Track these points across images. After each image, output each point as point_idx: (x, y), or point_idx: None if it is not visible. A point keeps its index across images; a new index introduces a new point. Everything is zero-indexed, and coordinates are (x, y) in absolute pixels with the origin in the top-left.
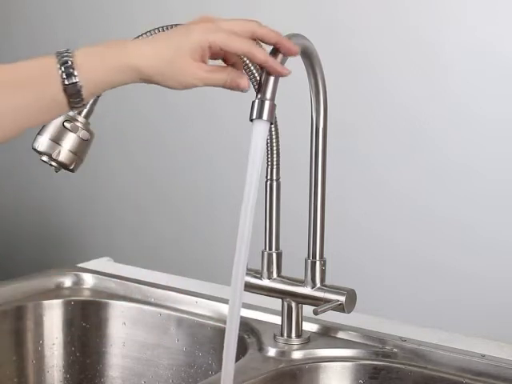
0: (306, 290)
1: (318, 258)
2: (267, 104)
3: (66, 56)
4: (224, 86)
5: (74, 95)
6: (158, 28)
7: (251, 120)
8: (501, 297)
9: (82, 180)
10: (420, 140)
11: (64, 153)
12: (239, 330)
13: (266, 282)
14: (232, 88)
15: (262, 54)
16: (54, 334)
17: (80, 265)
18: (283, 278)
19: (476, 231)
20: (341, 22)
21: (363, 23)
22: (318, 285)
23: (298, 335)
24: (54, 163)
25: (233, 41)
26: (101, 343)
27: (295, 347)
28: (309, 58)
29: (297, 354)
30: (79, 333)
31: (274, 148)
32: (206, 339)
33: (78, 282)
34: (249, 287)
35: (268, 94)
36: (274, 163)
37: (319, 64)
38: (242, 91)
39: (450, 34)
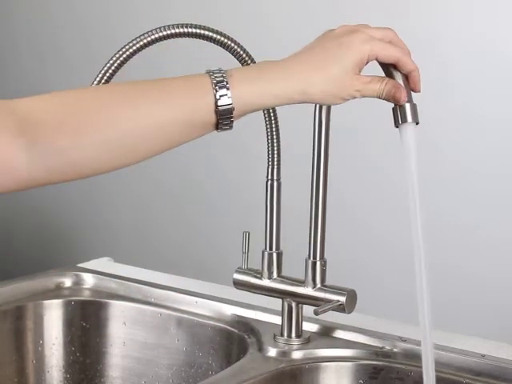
0: (307, 291)
1: (318, 258)
2: (408, 106)
3: (221, 77)
4: (379, 97)
5: (224, 117)
6: (158, 28)
7: (396, 126)
8: (501, 297)
9: (82, 180)
10: (421, 140)
11: None
12: (239, 330)
13: (266, 282)
14: (388, 99)
15: (413, 62)
16: (54, 334)
17: (80, 265)
18: (283, 278)
19: (476, 231)
20: (341, 21)
21: (364, 23)
22: (319, 285)
23: (298, 335)
24: None
25: (389, 49)
26: (101, 343)
27: (295, 347)
28: None
29: (297, 354)
30: (79, 333)
31: (275, 148)
32: (206, 339)
33: (78, 282)
34: (249, 287)
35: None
36: (275, 163)
37: None
38: (398, 103)
39: (450, 33)
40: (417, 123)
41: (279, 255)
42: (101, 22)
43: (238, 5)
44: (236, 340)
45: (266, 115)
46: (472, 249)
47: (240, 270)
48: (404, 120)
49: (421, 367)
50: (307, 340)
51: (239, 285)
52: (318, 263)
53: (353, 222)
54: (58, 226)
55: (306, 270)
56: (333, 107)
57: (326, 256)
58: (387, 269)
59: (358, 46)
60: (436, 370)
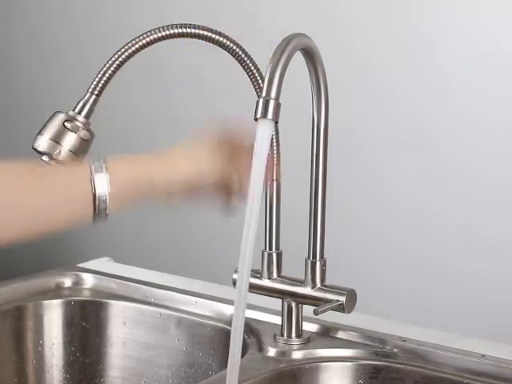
0: (306, 290)
1: (318, 258)
2: (272, 103)
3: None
4: None
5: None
6: (158, 28)
7: (255, 119)
8: (501, 297)
9: None
10: (421, 140)
11: (64, 153)
12: None
13: (266, 282)
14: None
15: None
16: (54, 334)
17: (80, 265)
18: (283, 278)
19: (476, 231)
20: (342, 21)
21: (364, 23)
22: (319, 285)
23: (298, 335)
24: (54, 163)
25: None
26: (101, 343)
27: (295, 347)
28: (311, 57)
29: (297, 354)
30: (79, 333)
31: (275, 148)
32: (206, 339)
33: (78, 282)
34: (249, 287)
35: (273, 93)
36: (275, 163)
37: (321, 63)
38: None
39: (451, 33)
40: (276, 122)
41: (279, 255)
42: (100, 22)
43: (238, 5)
44: None
45: None
46: (472, 249)
47: None
48: (263, 115)
49: (421, 367)
50: (307, 340)
51: None
52: (318, 263)
53: (353, 221)
54: None
55: (306, 270)
56: (332, 106)
57: (325, 256)
58: (387, 269)
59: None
60: (436, 370)
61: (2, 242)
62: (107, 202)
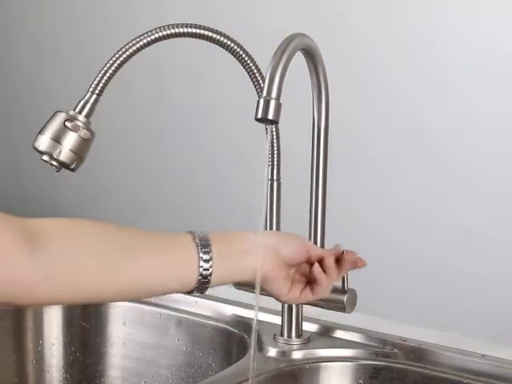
0: None
1: None
2: (273, 103)
3: (207, 252)
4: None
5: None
6: (158, 28)
7: (256, 119)
8: (501, 297)
9: (82, 179)
10: (421, 140)
11: (65, 152)
12: (239, 330)
13: None
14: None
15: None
16: (54, 334)
17: None
18: None
19: (476, 231)
20: (342, 21)
21: (364, 23)
22: None
23: (298, 335)
24: (54, 163)
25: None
26: (101, 343)
27: (295, 347)
28: (311, 57)
29: (297, 354)
30: (79, 333)
31: (275, 148)
32: (205, 339)
33: None
34: (249, 287)
35: (274, 93)
36: (275, 163)
37: (322, 63)
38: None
39: (451, 33)
40: (277, 123)
41: None
42: (100, 22)
43: (238, 5)
44: (236, 340)
45: None
46: (472, 249)
47: None
48: (263, 115)
49: (421, 367)
50: (307, 340)
51: (239, 285)
52: None
53: (353, 221)
54: None
55: None
56: (332, 106)
57: None
58: (387, 269)
59: None
60: (436, 370)
61: (89, 302)
62: (209, 283)
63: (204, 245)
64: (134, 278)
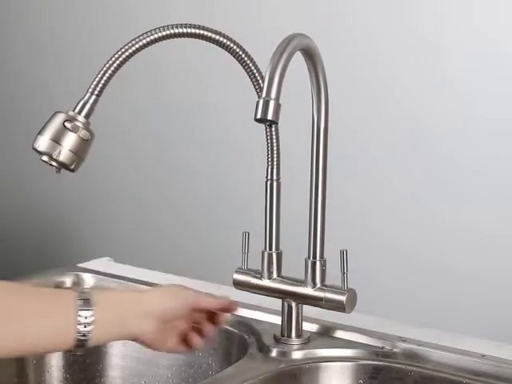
0: (307, 290)
1: (318, 258)
2: (272, 104)
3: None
4: None
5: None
6: (158, 28)
7: (256, 120)
8: (501, 297)
9: (82, 180)
10: (421, 140)
11: (64, 153)
12: (239, 330)
13: (266, 282)
14: None
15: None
16: None
17: (80, 265)
18: (283, 278)
19: (476, 231)
20: (342, 21)
21: (364, 22)
22: (319, 285)
23: (298, 335)
24: (54, 163)
25: None
26: None
27: (295, 347)
28: (311, 57)
29: (297, 354)
30: None
31: (275, 148)
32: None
33: (77, 282)
34: (249, 287)
35: (273, 94)
36: (274, 163)
37: (321, 64)
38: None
39: (451, 33)
40: (276, 123)
41: (279, 255)
42: (100, 22)
43: (237, 5)
44: (236, 340)
45: None
46: (472, 249)
47: (240, 270)
48: (263, 116)
49: (421, 367)
50: (307, 340)
51: (239, 285)
52: (318, 263)
53: (352, 221)
54: (58, 226)
55: (306, 270)
56: (332, 107)
57: (325, 256)
58: (387, 269)
59: None
60: (436, 370)
61: None
62: (88, 340)
63: (86, 307)
64: (7, 340)
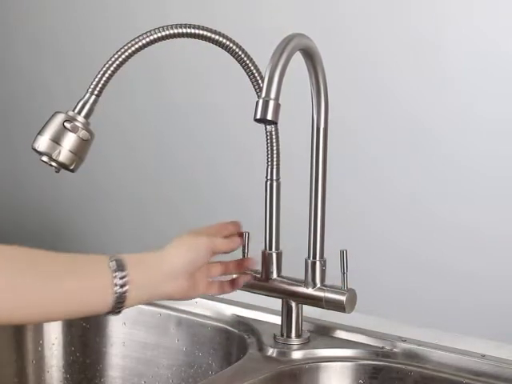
0: (306, 290)
1: (318, 257)
2: (271, 104)
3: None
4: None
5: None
6: (158, 28)
7: (255, 120)
8: (501, 297)
9: (82, 180)
10: (421, 140)
11: (64, 153)
12: (239, 330)
13: (265, 282)
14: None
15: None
16: (54, 334)
17: None
18: (283, 278)
19: (476, 231)
20: (342, 21)
21: (364, 23)
22: (319, 285)
23: (298, 335)
24: (54, 163)
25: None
26: (101, 343)
27: (295, 347)
28: (311, 57)
29: (297, 354)
30: (79, 333)
31: (274, 148)
32: (205, 339)
33: None
34: (249, 287)
35: (273, 94)
36: (274, 163)
37: (321, 64)
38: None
39: (451, 33)
40: (275, 123)
41: (279, 255)
42: (100, 22)
43: (237, 5)
44: (236, 340)
45: None
46: (472, 249)
47: None
48: (262, 116)
49: (421, 367)
50: (307, 340)
51: None
52: (318, 263)
53: (352, 221)
54: (58, 226)
55: (306, 270)
56: (331, 107)
57: (325, 256)
58: (387, 269)
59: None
60: (436, 370)
61: (14, 322)
62: (125, 301)
63: (120, 269)
64: (52, 301)
